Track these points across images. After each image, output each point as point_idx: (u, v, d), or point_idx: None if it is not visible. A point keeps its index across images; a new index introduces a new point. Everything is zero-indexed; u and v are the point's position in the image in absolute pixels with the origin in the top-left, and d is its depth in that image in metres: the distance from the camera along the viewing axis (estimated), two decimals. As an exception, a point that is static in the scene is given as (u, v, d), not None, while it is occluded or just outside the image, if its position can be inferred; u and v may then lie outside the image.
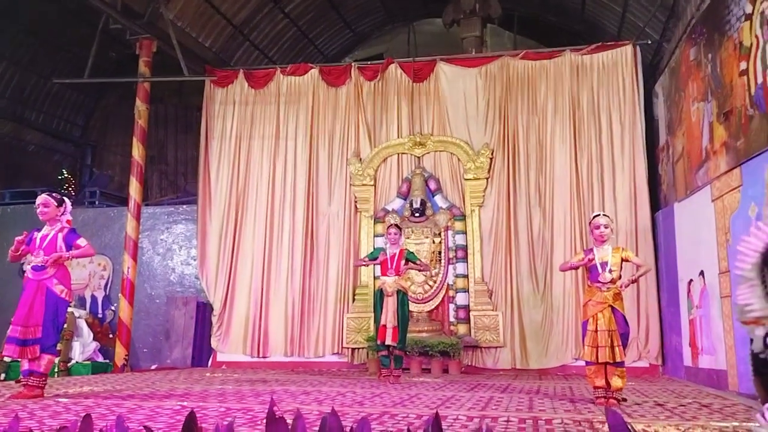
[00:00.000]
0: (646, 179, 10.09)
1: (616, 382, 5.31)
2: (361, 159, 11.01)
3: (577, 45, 11.06)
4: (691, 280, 8.36)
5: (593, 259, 5.53)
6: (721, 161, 7.36)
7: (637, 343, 9.56)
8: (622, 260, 5.55)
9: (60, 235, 5.58)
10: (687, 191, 8.66)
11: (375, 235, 10.66)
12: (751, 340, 1.33)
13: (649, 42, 10.54)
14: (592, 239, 5.75)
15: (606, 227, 5.60)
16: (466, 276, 10.37)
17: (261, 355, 10.69)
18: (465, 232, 10.49)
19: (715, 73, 7.53)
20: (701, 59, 8.06)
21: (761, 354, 1.28)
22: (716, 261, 7.36)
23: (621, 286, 5.46)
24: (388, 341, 7.59)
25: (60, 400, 5.20)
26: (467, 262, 10.41)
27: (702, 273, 7.95)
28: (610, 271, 5.44)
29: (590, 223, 5.80)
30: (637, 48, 10.51)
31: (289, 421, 2.71)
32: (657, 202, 10.24)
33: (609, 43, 10.77)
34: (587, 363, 5.45)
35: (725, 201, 7.13)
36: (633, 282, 5.57)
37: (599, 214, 5.77)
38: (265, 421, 2.69)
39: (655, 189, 10.32)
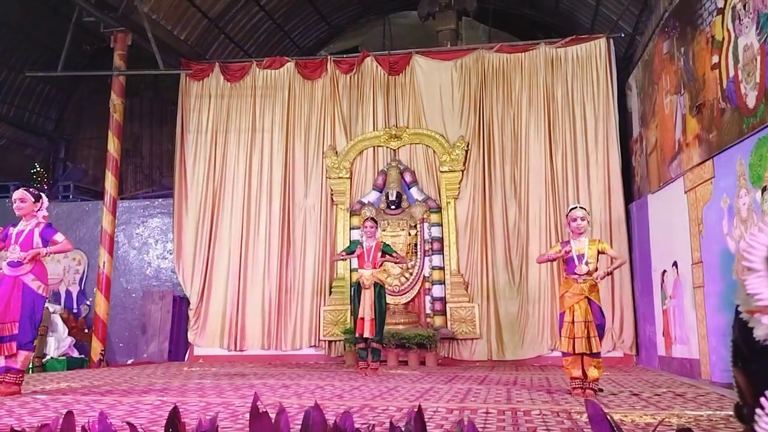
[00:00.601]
0: (620, 171, 10.23)
1: (593, 372, 5.40)
2: (337, 152, 11.01)
3: (551, 38, 11.19)
4: (665, 271, 8.52)
5: (570, 251, 5.60)
6: (693, 153, 7.49)
7: (612, 334, 9.71)
8: (599, 252, 5.64)
9: (36, 231, 5.52)
10: (660, 183, 8.81)
11: (351, 228, 10.68)
12: (750, 329, 1.40)
13: (623, 35, 10.67)
14: (569, 231, 5.83)
15: (582, 219, 5.68)
16: (442, 268, 10.44)
17: (238, 349, 10.68)
18: (441, 224, 10.56)
19: (688, 66, 7.66)
20: (674, 52, 8.18)
21: (765, 341, 1.36)
22: (689, 252, 7.51)
23: (597, 278, 5.55)
24: (366, 334, 7.63)
25: (38, 396, 5.16)
26: (443, 254, 10.47)
27: (675, 264, 8.10)
28: (587, 263, 5.52)
29: (567, 215, 5.88)
30: (611, 41, 10.63)
31: (272, 415, 2.73)
32: (631, 193, 10.40)
33: (583, 36, 10.88)
34: (564, 354, 5.54)
35: (698, 193, 7.27)
36: (608, 274, 5.67)
37: (576, 207, 5.85)
38: (248, 415, 2.71)
39: (629, 181, 10.47)
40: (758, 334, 1.38)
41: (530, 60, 10.85)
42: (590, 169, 10.32)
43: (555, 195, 10.36)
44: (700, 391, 5.83)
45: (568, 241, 5.73)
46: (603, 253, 5.69)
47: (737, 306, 1.46)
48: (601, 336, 5.47)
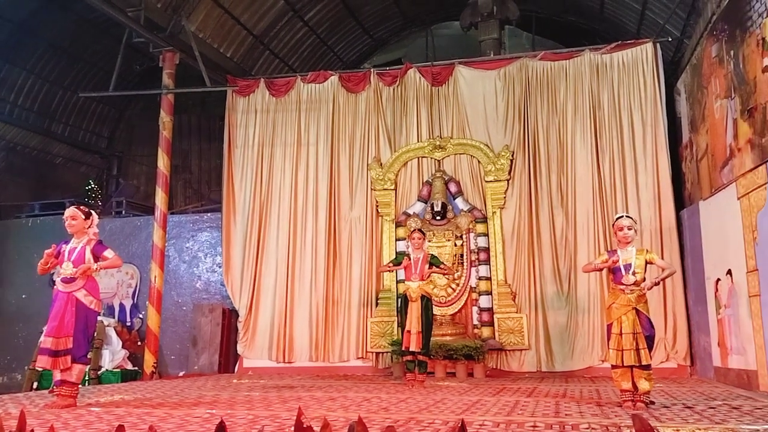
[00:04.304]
0: (669, 178, 9.99)
1: (643, 384, 5.28)
2: (381, 164, 11.06)
3: (596, 44, 11.02)
4: (719, 279, 8.27)
5: (617, 260, 5.50)
6: (746, 158, 7.28)
7: (665, 344, 9.47)
8: (647, 262, 5.53)
9: (88, 248, 5.69)
10: (712, 189, 8.58)
11: (396, 239, 10.69)
12: None
13: (670, 39, 10.44)
14: (616, 241, 5.73)
15: (630, 229, 5.58)
16: (489, 278, 10.34)
17: (286, 361, 10.77)
18: (487, 235, 10.47)
19: (738, 69, 7.46)
20: (723, 56, 7.98)
21: None
22: (744, 259, 7.28)
23: (644, 288, 5.43)
24: (413, 347, 7.61)
25: (92, 409, 5.30)
26: (490, 264, 10.38)
27: (729, 272, 7.86)
28: (634, 273, 5.41)
29: (614, 224, 5.79)
30: (658, 46, 10.41)
31: (316, 429, 2.75)
32: (681, 200, 10.14)
33: (629, 42, 10.70)
34: (613, 366, 5.43)
35: (751, 199, 7.05)
36: (656, 284, 5.54)
37: (623, 216, 5.75)
38: (293, 429, 2.74)
39: (680, 187, 10.22)
40: None
41: (575, 67, 10.72)
42: (639, 177, 10.11)
43: (603, 203, 10.18)
44: (758, 403, 5.63)
45: (616, 251, 5.63)
46: (651, 263, 5.56)
47: None
48: (650, 347, 5.35)
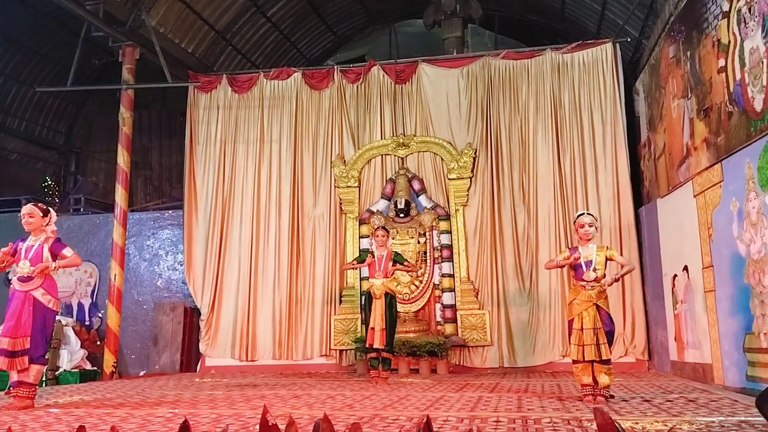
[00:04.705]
0: (628, 176, 10.20)
1: (603, 379, 5.38)
2: (345, 161, 11.04)
3: (557, 44, 11.17)
4: (676, 275, 8.48)
5: (579, 257, 5.60)
6: (702, 157, 7.47)
7: (624, 339, 9.66)
8: (607, 259, 5.63)
9: (46, 246, 5.57)
10: (669, 187, 8.78)
11: (360, 237, 10.70)
12: None
13: (629, 39, 10.65)
14: (577, 238, 5.82)
15: (590, 226, 5.68)
16: (452, 275, 10.42)
17: (249, 359, 10.69)
18: (450, 232, 10.55)
19: (695, 70, 7.64)
20: (680, 56, 8.17)
21: None
22: (700, 256, 7.47)
23: (605, 285, 5.53)
24: (377, 344, 7.63)
25: (51, 410, 5.19)
26: (453, 261, 10.46)
27: (686, 268, 8.06)
28: (595, 269, 5.51)
29: (575, 221, 5.89)
30: (617, 46, 10.61)
31: (282, 427, 2.74)
32: (640, 198, 10.36)
33: (589, 42, 10.88)
34: (574, 361, 5.52)
35: (707, 196, 7.24)
36: (616, 280, 5.65)
37: (584, 213, 5.85)
38: (258, 427, 2.73)
39: (638, 185, 10.44)
40: None
41: (537, 66, 10.85)
42: (599, 175, 10.29)
43: (564, 201, 10.33)
44: (713, 396, 5.79)
45: (577, 248, 5.73)
46: (611, 259, 5.67)
47: None
48: (610, 342, 5.46)
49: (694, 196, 7.63)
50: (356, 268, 9.93)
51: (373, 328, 7.69)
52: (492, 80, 10.94)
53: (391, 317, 7.80)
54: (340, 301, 10.64)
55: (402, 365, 9.46)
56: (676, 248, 8.53)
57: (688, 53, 7.84)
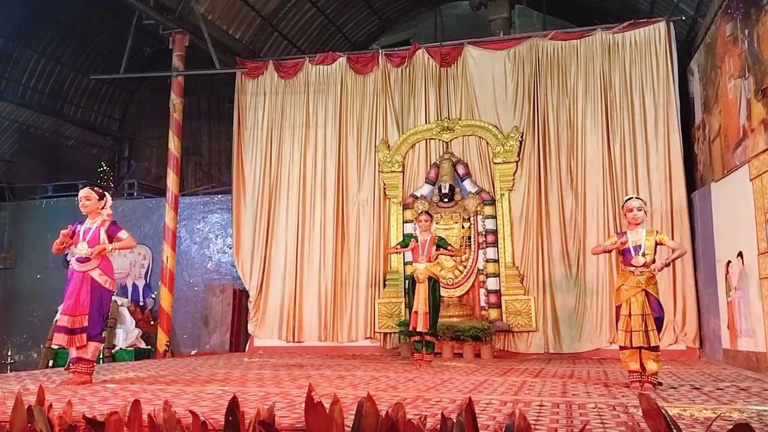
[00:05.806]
0: (681, 159, 9.92)
1: (651, 365, 5.30)
2: (389, 146, 11.05)
3: (608, 23, 10.90)
4: (729, 262, 8.26)
5: (626, 242, 5.51)
6: (759, 139, 7.23)
7: (674, 326, 9.47)
8: (657, 244, 5.53)
9: (102, 228, 5.76)
10: (724, 171, 8.53)
11: (404, 221, 10.72)
12: None
13: (683, 18, 10.32)
14: (626, 222, 5.73)
15: (639, 210, 5.58)
16: (496, 261, 10.36)
17: (296, 340, 10.88)
18: (495, 217, 10.47)
19: (752, 48, 7.38)
20: (738, 35, 7.90)
21: None
22: (755, 242, 7.25)
23: (654, 270, 5.43)
24: (420, 328, 7.67)
25: (108, 385, 5.40)
26: (497, 246, 10.39)
27: (740, 254, 7.84)
28: (644, 254, 5.41)
29: (623, 206, 5.79)
30: (671, 24, 10.28)
31: (327, 405, 2.80)
32: (693, 182, 10.08)
33: (641, 21, 10.57)
34: (621, 347, 5.45)
35: (764, 180, 7.01)
36: (667, 265, 5.55)
37: (632, 197, 5.75)
38: (303, 405, 2.79)
39: (691, 169, 10.16)
40: None
41: (586, 47, 10.63)
42: (650, 158, 10.05)
43: (613, 185, 10.14)
44: (766, 385, 5.65)
45: (625, 232, 5.64)
46: (661, 244, 5.56)
47: None
48: (659, 329, 5.37)
49: (751, 180, 7.39)
50: (399, 252, 9.99)
51: (416, 312, 7.73)
52: (540, 62, 10.76)
53: (435, 301, 7.82)
54: (384, 285, 10.70)
55: (446, 349, 9.48)
56: (730, 234, 8.29)
57: (746, 31, 7.58)
